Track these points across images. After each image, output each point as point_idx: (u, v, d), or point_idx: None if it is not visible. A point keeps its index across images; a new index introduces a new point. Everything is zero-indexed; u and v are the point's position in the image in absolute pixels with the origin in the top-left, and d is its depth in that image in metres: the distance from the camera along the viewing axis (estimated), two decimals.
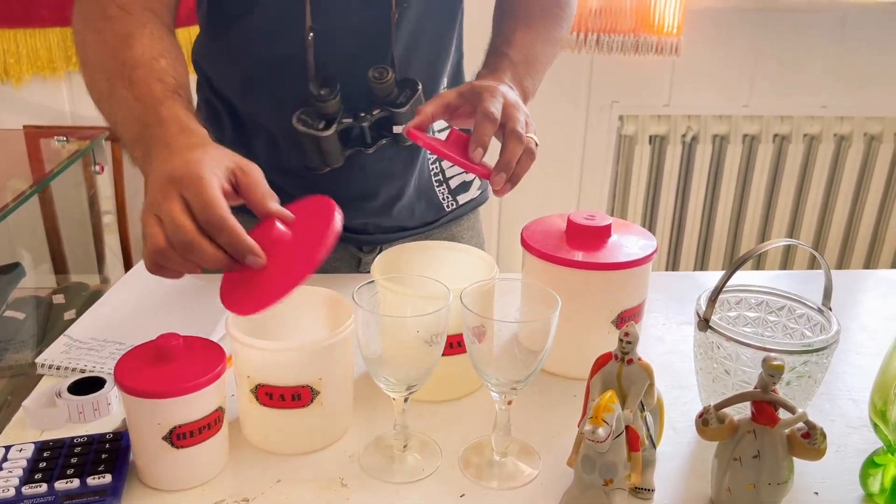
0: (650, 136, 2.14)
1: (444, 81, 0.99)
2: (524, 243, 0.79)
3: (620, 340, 0.61)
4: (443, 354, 0.65)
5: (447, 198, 1.07)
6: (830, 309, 0.70)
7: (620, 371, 0.62)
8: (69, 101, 1.93)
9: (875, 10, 2.07)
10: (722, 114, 2.13)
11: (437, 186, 1.06)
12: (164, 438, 0.61)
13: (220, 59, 0.95)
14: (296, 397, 0.66)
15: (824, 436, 0.58)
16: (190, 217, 0.59)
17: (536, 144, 0.78)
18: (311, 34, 0.84)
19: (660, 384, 0.69)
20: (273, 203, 0.63)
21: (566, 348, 0.73)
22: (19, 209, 1.01)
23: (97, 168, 1.10)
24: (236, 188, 0.64)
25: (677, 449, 0.70)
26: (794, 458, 0.59)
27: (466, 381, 0.77)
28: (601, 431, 0.55)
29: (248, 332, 0.66)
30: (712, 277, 1.17)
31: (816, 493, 0.65)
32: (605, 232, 0.79)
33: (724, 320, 0.74)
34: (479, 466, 0.67)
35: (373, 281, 0.67)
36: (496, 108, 0.76)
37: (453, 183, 1.07)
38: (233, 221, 0.59)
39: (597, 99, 2.11)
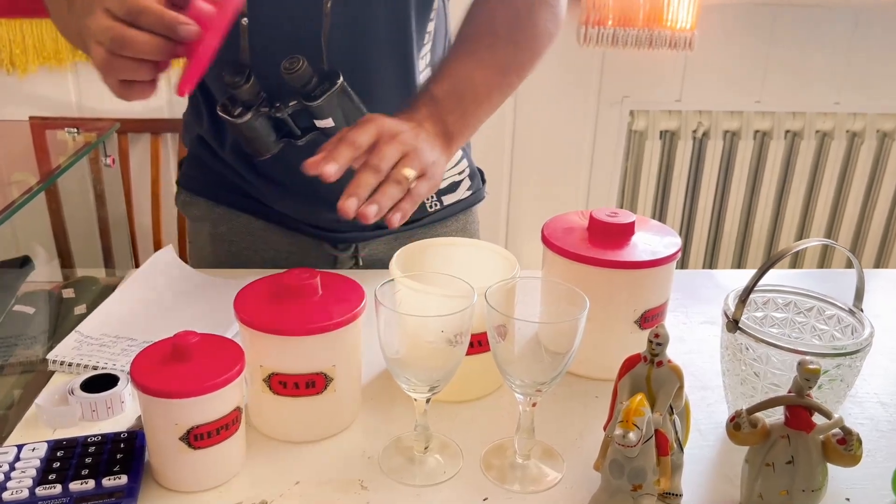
0: (661, 132, 2.12)
1: (420, 77, 0.95)
2: (545, 240, 0.77)
3: (650, 342, 0.59)
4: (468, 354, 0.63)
5: (430, 198, 1.04)
6: (862, 310, 0.69)
7: (650, 373, 0.60)
8: (76, 92, 1.91)
9: (888, 6, 2.05)
10: (734, 109, 2.11)
11: None
12: (182, 439, 0.59)
13: None
14: (310, 385, 0.66)
15: (860, 442, 0.56)
16: (114, 18, 0.63)
17: (409, 179, 0.74)
18: (245, 19, 0.83)
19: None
20: None
21: (588, 348, 0.71)
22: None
23: (108, 160, 1.09)
24: None
25: (702, 452, 0.69)
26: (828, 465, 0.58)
27: (486, 380, 0.76)
28: (632, 436, 0.54)
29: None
30: (730, 276, 1.16)
31: (848, 500, 0.63)
32: (628, 230, 0.77)
33: (750, 320, 0.73)
34: (501, 469, 0.66)
35: (393, 280, 0.66)
36: (358, 137, 0.73)
37: (442, 183, 1.04)
38: (149, 2, 0.62)
39: (607, 94, 2.09)
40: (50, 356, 0.77)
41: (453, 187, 1.06)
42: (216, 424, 0.60)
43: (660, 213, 2.23)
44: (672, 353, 0.61)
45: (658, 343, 0.59)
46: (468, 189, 1.08)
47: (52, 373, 0.77)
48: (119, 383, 0.72)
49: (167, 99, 1.93)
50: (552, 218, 0.83)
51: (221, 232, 1.05)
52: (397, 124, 0.77)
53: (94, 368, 0.75)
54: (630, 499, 0.58)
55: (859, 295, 0.69)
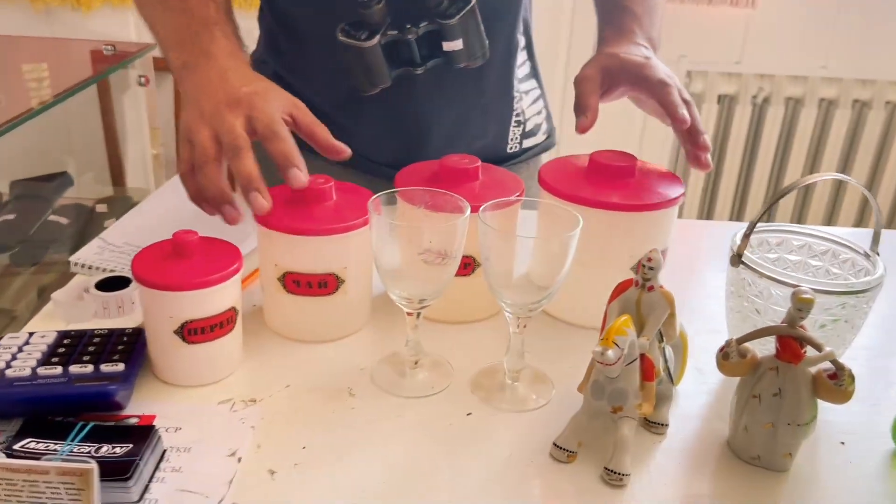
0: (719, 96, 2.06)
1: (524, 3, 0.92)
2: (541, 180, 0.74)
3: (642, 266, 0.58)
4: (462, 275, 0.63)
5: (515, 138, 0.99)
6: (878, 254, 0.66)
7: (640, 297, 0.59)
8: (136, 30, 1.96)
9: None
10: (797, 74, 2.02)
11: (514, 126, 0.98)
12: (176, 332, 0.61)
13: None
14: (322, 285, 0.68)
15: (852, 378, 0.54)
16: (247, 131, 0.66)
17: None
18: None
19: (691, 329, 0.66)
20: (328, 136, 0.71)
21: (582, 294, 0.69)
22: (75, 120, 1.03)
23: (142, 80, 1.12)
24: (293, 123, 0.70)
25: (699, 388, 0.67)
26: (820, 402, 0.56)
27: (484, 303, 0.75)
28: (611, 353, 0.53)
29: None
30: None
31: (843, 443, 0.61)
32: (627, 171, 0.73)
33: (763, 261, 0.70)
34: (489, 389, 0.66)
35: (393, 192, 0.66)
36: (686, 110, 0.78)
37: (529, 124, 1.00)
38: (289, 135, 0.66)
39: (663, 51, 2.02)
40: (72, 258, 0.81)
41: (535, 130, 1.02)
42: (210, 321, 0.62)
43: (713, 180, 2.17)
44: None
45: (650, 267, 0.58)
46: (544, 133, 1.05)
47: (74, 274, 0.80)
48: (131, 285, 0.74)
49: None
50: (553, 160, 0.79)
51: None
52: (649, 53, 0.84)
53: (112, 272, 0.78)
54: (610, 420, 0.58)
55: (876, 238, 0.66)
